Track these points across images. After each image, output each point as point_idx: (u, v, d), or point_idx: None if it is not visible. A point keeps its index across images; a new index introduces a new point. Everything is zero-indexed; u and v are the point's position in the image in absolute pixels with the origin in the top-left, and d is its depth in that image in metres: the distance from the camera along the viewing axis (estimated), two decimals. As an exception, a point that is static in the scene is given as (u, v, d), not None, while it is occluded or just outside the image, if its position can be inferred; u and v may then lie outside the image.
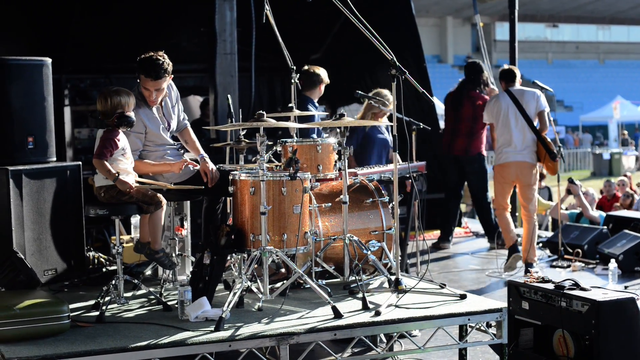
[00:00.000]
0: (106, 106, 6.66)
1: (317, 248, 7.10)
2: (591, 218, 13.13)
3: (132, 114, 6.68)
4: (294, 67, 8.16)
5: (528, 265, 10.28)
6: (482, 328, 6.49)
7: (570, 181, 13.45)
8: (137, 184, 6.68)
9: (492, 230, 11.86)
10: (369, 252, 7.08)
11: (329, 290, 6.71)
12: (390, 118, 6.99)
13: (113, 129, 6.65)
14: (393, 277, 6.95)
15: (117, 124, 6.63)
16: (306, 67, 9.52)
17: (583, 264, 10.68)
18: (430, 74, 13.84)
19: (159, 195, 6.74)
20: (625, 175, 18.76)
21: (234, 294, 6.25)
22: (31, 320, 5.67)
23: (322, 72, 9.49)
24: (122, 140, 6.68)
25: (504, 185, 10.62)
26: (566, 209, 14.11)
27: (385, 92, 9.41)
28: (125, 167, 6.67)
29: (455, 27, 64.45)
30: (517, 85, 10.63)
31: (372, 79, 14.15)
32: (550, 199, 16.43)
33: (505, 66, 11.11)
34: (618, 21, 68.08)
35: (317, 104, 9.43)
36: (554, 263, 10.88)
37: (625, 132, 47.98)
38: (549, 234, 13.29)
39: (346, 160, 7.08)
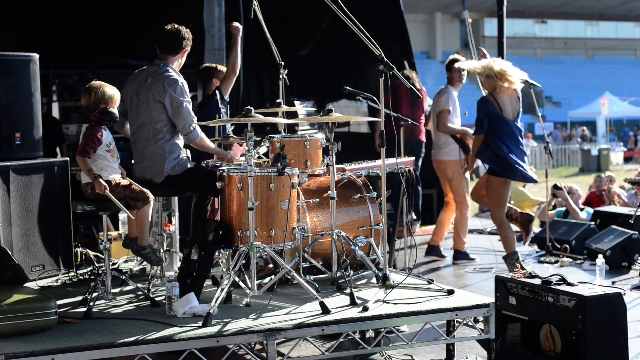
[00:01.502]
0: (89, 101, 6.66)
1: (305, 244, 7.11)
2: (581, 221, 13.15)
3: (115, 110, 6.67)
4: (282, 63, 8.16)
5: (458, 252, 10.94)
6: (469, 323, 6.51)
7: (556, 187, 13.47)
8: (110, 193, 6.61)
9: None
10: (357, 248, 7.08)
11: (317, 286, 6.72)
12: (378, 114, 6.99)
13: (96, 125, 6.63)
14: (381, 273, 6.96)
15: (100, 120, 6.61)
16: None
17: (571, 260, 10.71)
18: (419, 69, 13.84)
19: (147, 191, 6.74)
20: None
21: (222, 289, 6.25)
22: (18, 316, 5.66)
23: (213, 67, 9.63)
24: (106, 136, 6.67)
25: (440, 179, 11.12)
26: (554, 206, 14.12)
27: None
28: (110, 163, 6.66)
29: (443, 23, 64.48)
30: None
31: (361, 75, 14.16)
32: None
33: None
34: (606, 17, 68.20)
35: (225, 98, 9.36)
36: (542, 258, 10.90)
37: (584, 127, 48.18)
38: (537, 229, 13.31)
39: (334, 156, 7.09)
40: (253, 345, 6.29)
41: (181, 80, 7.00)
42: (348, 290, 6.55)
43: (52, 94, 13.78)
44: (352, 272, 7.14)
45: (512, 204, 15.07)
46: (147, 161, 7.02)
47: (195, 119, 6.97)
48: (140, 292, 6.81)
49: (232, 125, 7.78)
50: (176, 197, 7.57)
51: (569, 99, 58.29)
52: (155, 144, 6.96)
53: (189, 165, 7.10)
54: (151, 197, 6.78)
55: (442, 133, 10.60)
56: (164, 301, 6.30)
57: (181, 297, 6.21)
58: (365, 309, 6.19)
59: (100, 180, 6.50)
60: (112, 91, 6.73)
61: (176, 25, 7.19)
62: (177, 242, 7.62)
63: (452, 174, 10.68)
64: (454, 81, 10.81)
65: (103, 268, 6.75)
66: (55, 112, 13.83)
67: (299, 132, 9.20)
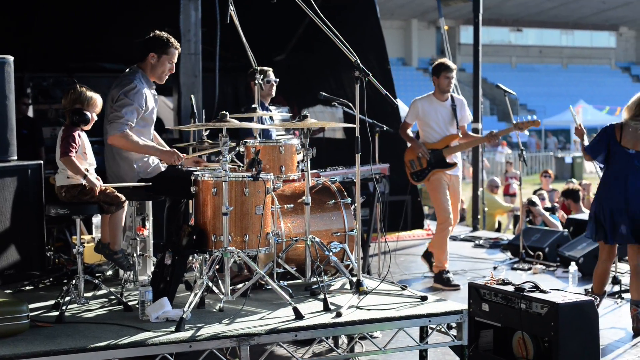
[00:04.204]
0: (66, 99, 6.67)
1: (279, 249, 7.10)
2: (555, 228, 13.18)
3: (88, 113, 6.64)
4: (258, 68, 8.17)
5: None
6: (442, 330, 6.52)
7: (530, 203, 13.49)
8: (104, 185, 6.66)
9: None
10: (331, 254, 7.09)
11: (291, 292, 6.72)
12: (353, 120, 7.00)
13: (70, 126, 6.61)
14: (354, 279, 6.96)
15: (71, 120, 6.59)
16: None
17: (544, 267, 10.76)
18: (395, 76, 13.91)
19: (121, 195, 6.71)
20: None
21: (195, 294, 6.24)
22: (-10, 320, 5.63)
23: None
24: (82, 137, 6.65)
25: None
26: (530, 221, 14.05)
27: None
28: (85, 167, 6.62)
29: (420, 30, 64.63)
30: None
31: (336, 81, 14.19)
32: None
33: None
34: (581, 26, 68.54)
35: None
36: (515, 265, 10.95)
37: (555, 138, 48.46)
38: (510, 236, 13.36)
39: (309, 162, 7.09)
40: (226, 351, 6.28)
41: (137, 84, 6.97)
42: (322, 296, 6.55)
43: (27, 97, 13.70)
44: (326, 277, 7.15)
45: (486, 211, 15.17)
46: (117, 166, 7.00)
47: (128, 119, 6.83)
48: (113, 297, 6.78)
49: (206, 130, 7.77)
50: (150, 202, 7.54)
51: (543, 107, 58.50)
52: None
53: (162, 168, 7.09)
54: (125, 201, 6.76)
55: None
56: (137, 305, 6.27)
57: (154, 302, 6.19)
58: (339, 314, 6.19)
59: (90, 177, 6.50)
60: (92, 95, 6.71)
61: (158, 32, 7.23)
62: (150, 246, 7.59)
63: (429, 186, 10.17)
64: (436, 93, 10.03)
65: (76, 272, 6.72)
66: (30, 115, 13.76)
67: (274, 138, 9.22)
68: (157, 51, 7.13)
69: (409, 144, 10.14)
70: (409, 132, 10.04)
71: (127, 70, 7.15)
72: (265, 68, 9.44)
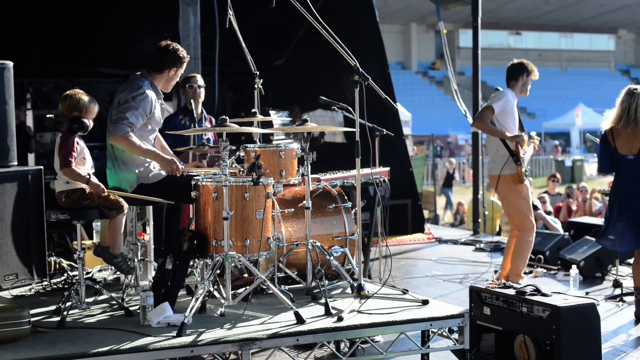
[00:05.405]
0: (63, 106, 6.64)
1: (280, 253, 7.09)
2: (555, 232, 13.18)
3: (87, 120, 6.62)
4: (257, 73, 8.16)
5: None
6: (444, 333, 6.51)
7: (533, 207, 13.47)
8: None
9: None
10: (332, 258, 7.08)
11: (292, 296, 6.71)
12: (353, 124, 6.99)
13: (68, 133, 6.59)
14: (355, 283, 6.95)
15: (69, 127, 6.56)
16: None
17: (545, 270, 10.75)
18: (394, 80, 13.90)
19: (121, 200, 6.71)
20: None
21: (197, 299, 6.23)
22: (-9, 326, 5.62)
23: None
24: (80, 143, 6.64)
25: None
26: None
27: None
28: (86, 172, 6.61)
29: (419, 34, 64.68)
30: (506, 87, 9.77)
31: (336, 85, 14.17)
32: None
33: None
34: (580, 29, 68.61)
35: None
36: (516, 269, 10.91)
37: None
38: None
39: (309, 166, 7.09)
40: (227, 355, 6.27)
41: (146, 90, 6.92)
42: (323, 300, 6.54)
43: (26, 102, 13.71)
44: (327, 282, 7.13)
45: (486, 214, 15.16)
46: (119, 171, 6.99)
47: (131, 121, 6.77)
48: (114, 302, 6.77)
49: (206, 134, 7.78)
50: (151, 207, 7.53)
51: (543, 110, 58.54)
52: (123, 153, 6.95)
53: (163, 174, 7.08)
54: (125, 206, 6.75)
55: (480, 131, 9.63)
56: (138, 311, 6.27)
57: (155, 307, 6.19)
58: (340, 319, 6.19)
59: (94, 181, 6.49)
60: (89, 101, 6.69)
61: (168, 42, 7.17)
62: (151, 251, 7.59)
63: (502, 191, 9.36)
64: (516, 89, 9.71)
65: (77, 277, 6.71)
66: (30, 121, 13.77)
67: (274, 142, 9.20)
68: (177, 66, 7.12)
69: (508, 134, 9.40)
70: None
71: (137, 73, 7.10)
72: (191, 75, 9.41)
